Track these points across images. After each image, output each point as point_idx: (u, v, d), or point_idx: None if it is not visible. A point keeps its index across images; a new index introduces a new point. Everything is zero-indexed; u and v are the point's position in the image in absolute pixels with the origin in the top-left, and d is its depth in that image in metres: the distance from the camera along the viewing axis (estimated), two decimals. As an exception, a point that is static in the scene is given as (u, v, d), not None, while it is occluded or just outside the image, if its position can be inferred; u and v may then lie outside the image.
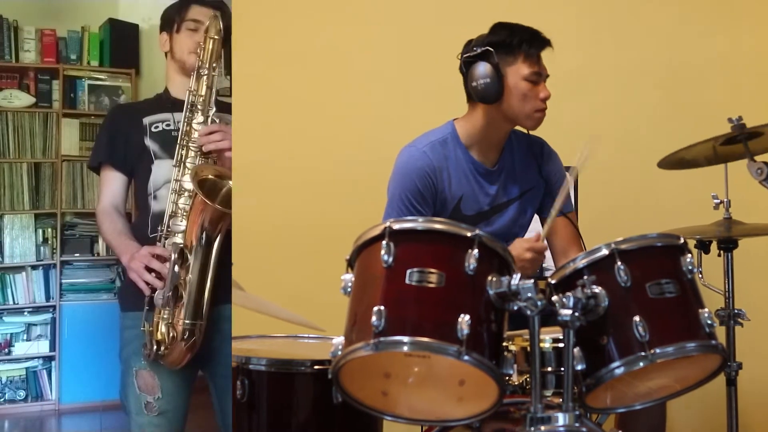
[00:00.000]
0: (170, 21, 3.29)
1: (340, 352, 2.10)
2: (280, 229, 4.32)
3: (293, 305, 3.09)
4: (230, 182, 3.01)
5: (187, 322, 2.93)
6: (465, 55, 3.03)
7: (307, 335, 3.11)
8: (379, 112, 4.49)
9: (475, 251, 2.09)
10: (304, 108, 4.45)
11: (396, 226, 2.14)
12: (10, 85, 7.41)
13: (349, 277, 2.20)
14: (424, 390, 2.24)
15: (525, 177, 3.18)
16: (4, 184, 7.28)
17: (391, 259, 2.10)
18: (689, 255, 2.24)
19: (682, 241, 2.26)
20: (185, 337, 2.93)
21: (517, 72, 2.96)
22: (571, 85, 4.09)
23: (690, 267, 2.21)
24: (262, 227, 4.24)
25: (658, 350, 2.10)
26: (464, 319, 2.01)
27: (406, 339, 2.02)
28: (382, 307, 2.04)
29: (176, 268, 2.91)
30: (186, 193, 3.00)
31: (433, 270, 2.08)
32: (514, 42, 2.95)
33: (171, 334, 2.93)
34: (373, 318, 2.03)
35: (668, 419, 2.97)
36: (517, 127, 3.14)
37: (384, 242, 2.12)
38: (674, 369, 2.22)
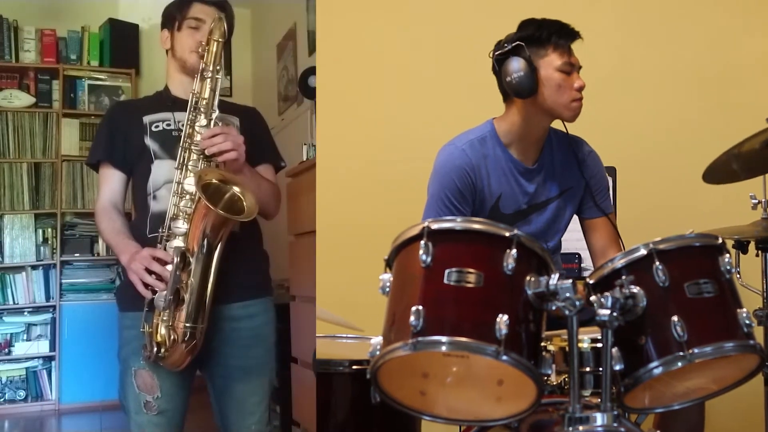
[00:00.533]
0: (171, 18, 3.26)
1: (378, 352, 2.11)
2: (318, 230, 4.32)
3: (332, 305, 3.09)
4: (235, 187, 2.97)
5: (187, 325, 2.91)
6: (496, 53, 3.03)
7: (345, 335, 3.11)
8: (417, 112, 4.53)
9: (514, 251, 2.10)
10: (343, 111, 4.45)
11: (434, 226, 2.15)
12: (10, 85, 7.42)
13: (388, 277, 2.21)
14: (463, 390, 2.24)
15: (565, 176, 3.18)
16: (4, 184, 7.29)
17: (429, 259, 2.11)
18: (727, 255, 2.25)
19: (720, 241, 2.27)
20: (186, 339, 2.92)
21: (550, 63, 2.96)
22: (610, 86, 4.10)
23: (728, 267, 2.22)
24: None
25: (696, 350, 2.11)
26: (502, 319, 2.02)
27: (444, 339, 2.03)
28: (421, 307, 2.05)
29: (178, 271, 2.89)
30: (187, 196, 2.97)
31: (471, 270, 2.09)
32: (544, 35, 2.96)
33: (172, 337, 2.91)
34: (412, 318, 2.03)
35: (706, 419, 2.97)
36: (558, 125, 3.14)
37: (422, 242, 2.13)
38: (712, 369, 2.22)
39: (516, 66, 2.95)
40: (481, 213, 3.07)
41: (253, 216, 2.94)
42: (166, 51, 3.33)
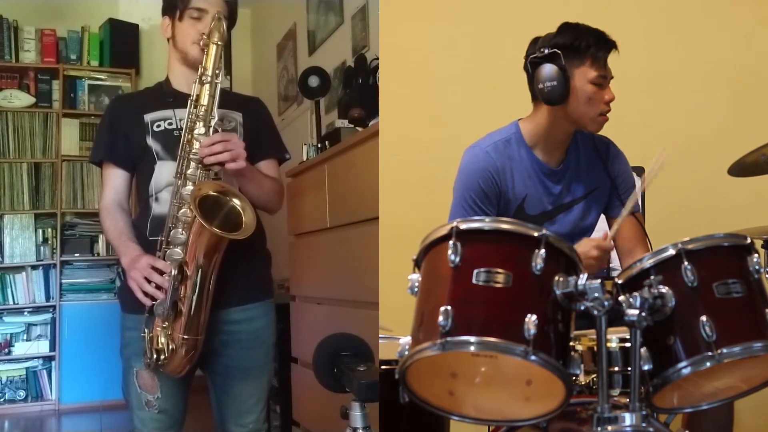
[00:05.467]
0: (172, 6, 3.17)
1: (407, 352, 2.10)
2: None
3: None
4: (235, 200, 2.95)
5: (185, 337, 2.92)
6: (532, 56, 3.01)
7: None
8: (443, 112, 4.56)
9: (542, 251, 2.09)
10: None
11: (463, 226, 2.14)
12: (10, 85, 7.46)
13: (416, 277, 2.20)
14: (491, 390, 2.22)
15: (590, 177, 3.17)
16: (4, 184, 7.32)
17: (458, 259, 2.10)
18: (756, 255, 2.24)
19: (748, 240, 2.26)
20: (184, 350, 2.93)
21: (584, 75, 2.94)
22: (638, 85, 4.11)
23: (757, 267, 2.21)
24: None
25: (725, 350, 2.09)
26: (531, 319, 2.01)
27: (473, 339, 2.02)
28: (449, 307, 2.04)
29: (176, 282, 2.89)
30: (186, 205, 2.92)
31: (500, 270, 2.07)
32: (582, 45, 2.93)
33: (170, 347, 2.92)
34: (440, 318, 2.03)
35: (735, 419, 2.97)
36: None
37: (451, 242, 2.12)
38: (741, 369, 2.21)
39: (549, 74, 2.92)
40: (506, 214, 3.06)
41: (250, 233, 2.89)
42: (168, 40, 3.26)
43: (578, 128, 3.09)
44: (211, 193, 2.92)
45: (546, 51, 2.96)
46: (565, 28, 3.00)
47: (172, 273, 2.88)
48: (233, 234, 2.86)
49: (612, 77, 2.99)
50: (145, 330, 2.97)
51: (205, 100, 3.00)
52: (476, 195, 3.03)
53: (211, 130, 2.99)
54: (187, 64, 3.15)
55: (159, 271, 2.90)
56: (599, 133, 3.09)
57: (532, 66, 3.01)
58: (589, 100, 2.96)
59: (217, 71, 3.01)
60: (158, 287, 2.90)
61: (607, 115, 3.00)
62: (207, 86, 3.00)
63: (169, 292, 2.88)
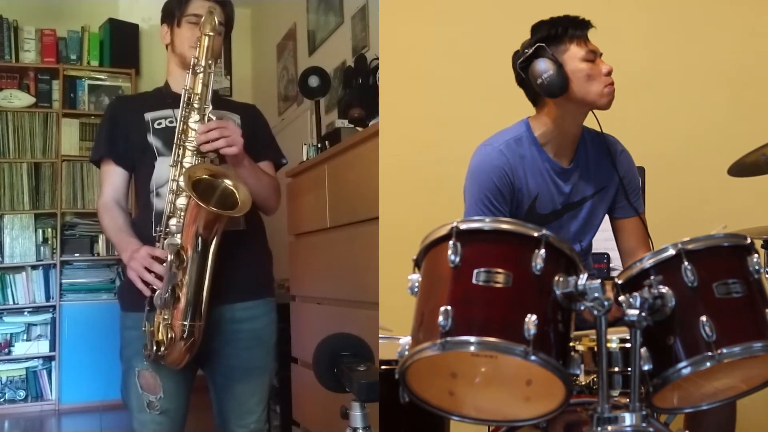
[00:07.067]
0: (171, 14, 3.23)
1: (407, 352, 2.10)
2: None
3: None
4: (227, 181, 2.96)
5: (185, 323, 2.90)
6: (519, 62, 3.00)
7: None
8: (443, 112, 4.56)
9: (542, 251, 2.09)
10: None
11: (463, 226, 2.14)
12: (10, 85, 7.47)
13: (416, 277, 2.20)
14: (491, 390, 2.23)
15: (599, 175, 3.15)
16: (4, 184, 7.33)
17: (458, 259, 2.10)
18: (756, 255, 2.24)
19: (748, 241, 2.26)
20: (184, 337, 2.92)
21: (573, 56, 2.93)
22: (638, 84, 4.11)
23: (757, 267, 2.21)
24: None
25: (725, 350, 2.09)
26: (531, 319, 2.01)
27: (473, 339, 2.02)
28: (449, 307, 2.04)
29: (173, 268, 2.87)
30: (183, 193, 2.95)
31: (500, 270, 2.08)
32: (559, 31, 2.94)
33: (170, 335, 2.91)
34: (440, 318, 2.03)
35: (738, 418, 2.96)
36: (589, 123, 3.11)
37: (451, 242, 2.12)
38: (741, 369, 2.21)
39: (543, 67, 2.91)
40: (517, 213, 3.03)
41: (247, 209, 2.93)
42: (166, 46, 3.30)
43: (588, 111, 3.04)
44: (204, 176, 2.94)
45: (530, 50, 2.96)
46: (538, 25, 3.01)
47: (169, 258, 2.87)
48: (231, 211, 2.88)
49: (601, 53, 2.98)
50: (146, 324, 2.97)
51: (198, 89, 3.04)
52: (492, 194, 2.99)
53: (206, 118, 3.02)
54: (186, 67, 3.15)
55: (159, 260, 2.92)
56: (607, 130, 3.08)
57: (523, 71, 3.00)
58: (588, 77, 2.93)
59: (210, 62, 3.05)
60: (158, 276, 2.91)
61: (614, 88, 2.96)
62: (200, 76, 3.04)
63: (167, 276, 2.88)
